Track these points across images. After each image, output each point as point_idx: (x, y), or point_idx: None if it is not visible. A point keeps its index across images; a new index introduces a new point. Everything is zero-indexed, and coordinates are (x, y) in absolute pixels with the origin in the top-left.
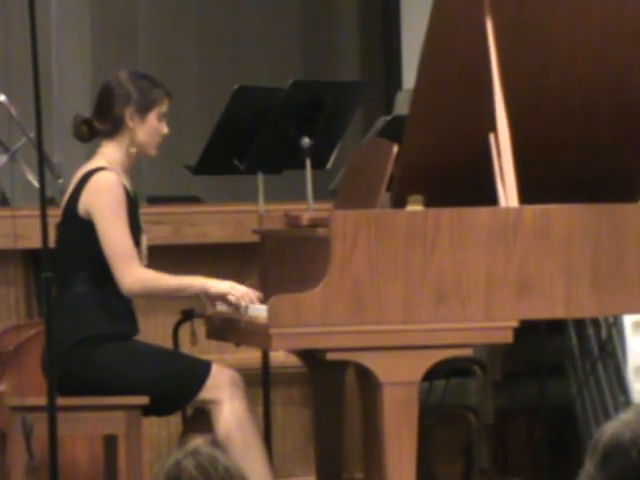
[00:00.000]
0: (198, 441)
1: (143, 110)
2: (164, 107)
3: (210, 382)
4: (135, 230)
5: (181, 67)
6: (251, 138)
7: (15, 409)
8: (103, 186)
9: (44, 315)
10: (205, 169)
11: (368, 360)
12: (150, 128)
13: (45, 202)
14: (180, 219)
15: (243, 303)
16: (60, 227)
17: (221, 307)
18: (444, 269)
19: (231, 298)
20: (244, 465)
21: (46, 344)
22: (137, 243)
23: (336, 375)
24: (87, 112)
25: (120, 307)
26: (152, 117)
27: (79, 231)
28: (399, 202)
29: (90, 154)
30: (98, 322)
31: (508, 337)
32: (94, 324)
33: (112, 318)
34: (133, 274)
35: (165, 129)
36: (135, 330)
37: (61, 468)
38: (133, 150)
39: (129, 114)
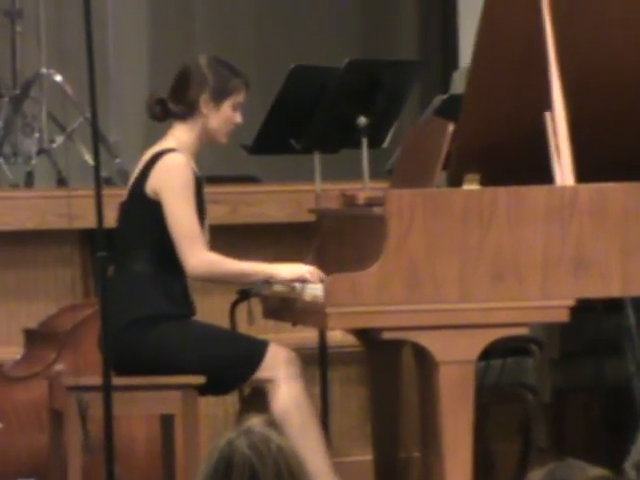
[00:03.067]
0: (253, 420)
1: (218, 98)
2: (240, 97)
3: (267, 362)
4: (200, 213)
5: (238, 46)
6: (308, 117)
7: (71, 389)
8: (173, 167)
9: (100, 294)
10: (262, 149)
11: (424, 339)
12: (223, 117)
13: (100, 182)
14: (237, 199)
15: (312, 279)
16: (124, 206)
17: (278, 287)
18: (500, 248)
19: (305, 277)
20: (300, 445)
21: (102, 323)
22: (202, 226)
23: (393, 354)
24: (144, 91)
25: (178, 289)
26: (227, 106)
27: (144, 211)
28: (455, 181)
29: (149, 134)
30: (155, 302)
31: (564, 316)
32: (151, 304)
33: (169, 299)
34: (199, 256)
35: (239, 119)
36: (192, 312)
37: (118, 447)
38: (203, 134)
39: (204, 100)
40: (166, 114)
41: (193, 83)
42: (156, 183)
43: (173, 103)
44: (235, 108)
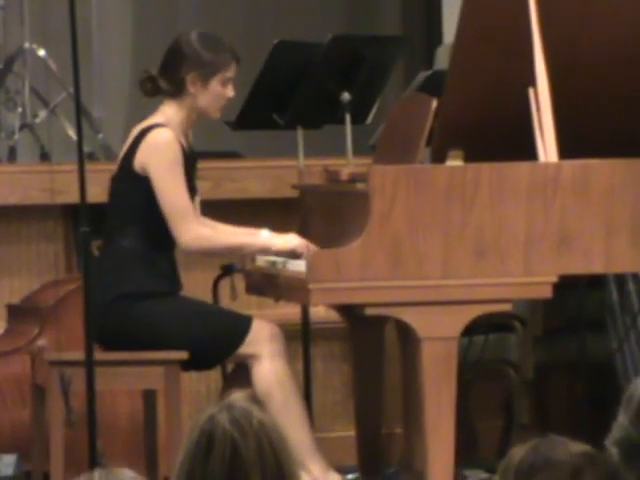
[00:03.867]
0: (235, 396)
1: (206, 76)
2: (230, 72)
3: (250, 337)
4: (191, 189)
5: (222, 22)
6: (291, 93)
7: (53, 363)
8: (159, 143)
9: (82, 270)
10: (245, 124)
11: (407, 315)
12: (212, 94)
13: (83, 157)
14: (220, 174)
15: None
16: (114, 180)
17: (260, 262)
18: (483, 224)
19: (298, 251)
20: (283, 420)
21: (84, 298)
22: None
23: (376, 330)
24: (128, 67)
25: (165, 265)
26: (215, 83)
27: (133, 186)
28: (439, 157)
29: (132, 110)
30: (141, 278)
31: (547, 292)
32: (137, 280)
33: (155, 275)
34: (191, 231)
35: (230, 92)
36: (178, 287)
37: (100, 422)
38: (193, 112)
39: (191, 79)
40: (157, 91)
41: (180, 62)
42: (143, 159)
43: (163, 80)
44: (224, 83)
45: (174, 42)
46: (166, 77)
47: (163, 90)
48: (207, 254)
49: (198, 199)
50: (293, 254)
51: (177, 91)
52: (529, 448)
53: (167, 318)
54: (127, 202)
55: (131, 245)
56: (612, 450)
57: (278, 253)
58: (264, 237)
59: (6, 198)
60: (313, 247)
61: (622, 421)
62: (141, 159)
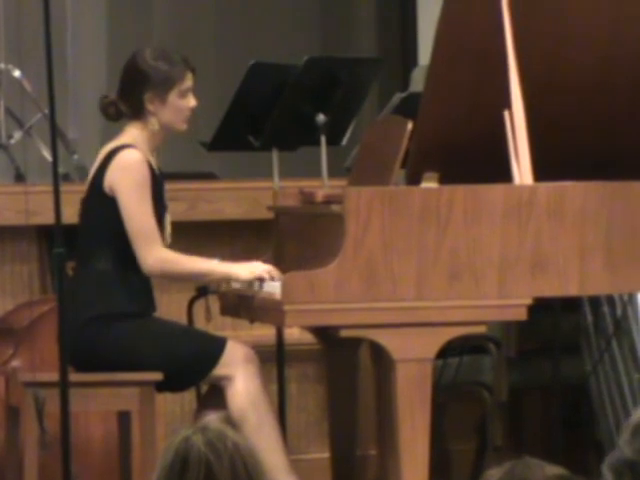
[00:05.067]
0: (209, 417)
1: (162, 93)
2: (186, 83)
3: (224, 358)
4: (160, 209)
5: (196, 42)
6: (266, 114)
7: (28, 385)
8: (127, 164)
9: (57, 291)
10: (220, 145)
11: (381, 337)
12: (172, 108)
13: (58, 178)
14: (195, 195)
15: (269, 278)
16: (85, 202)
17: (235, 284)
18: (458, 246)
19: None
20: (258, 442)
21: (59, 319)
22: (161, 222)
23: (350, 352)
24: (103, 87)
25: (139, 285)
26: (173, 97)
27: (103, 207)
28: (414, 179)
29: (107, 130)
30: (116, 299)
31: (522, 315)
32: (112, 301)
33: (130, 296)
34: (154, 254)
35: (192, 102)
36: (152, 308)
37: (74, 444)
38: (158, 130)
39: (149, 99)
40: (119, 114)
41: (135, 82)
42: (111, 180)
43: (122, 104)
44: (183, 95)
45: (128, 62)
46: (125, 100)
47: (125, 113)
48: (170, 279)
49: (168, 218)
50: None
51: (138, 112)
52: (505, 470)
53: (141, 339)
54: (98, 224)
55: (104, 267)
56: (607, 475)
57: (241, 281)
58: (228, 265)
59: None
60: (276, 273)
61: (619, 444)
62: (109, 180)
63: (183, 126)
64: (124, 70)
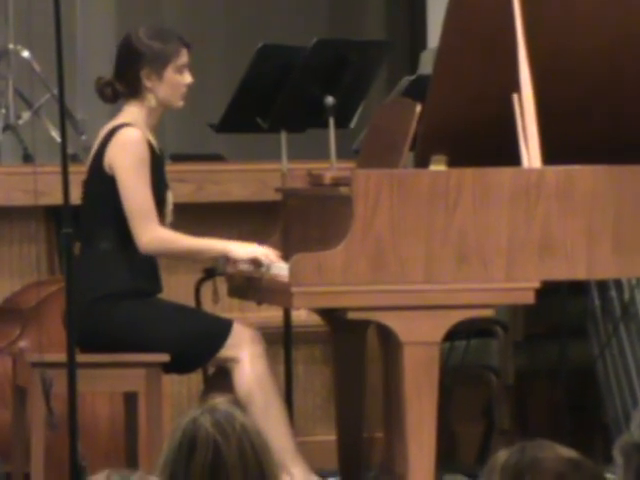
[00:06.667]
0: (217, 399)
1: (158, 68)
2: (182, 59)
3: (231, 340)
4: (161, 187)
5: (206, 25)
6: (274, 96)
7: (35, 365)
8: (126, 142)
9: (65, 272)
10: (228, 127)
11: (389, 319)
12: (169, 84)
13: (67, 158)
14: (203, 177)
15: (266, 261)
16: (86, 184)
17: (243, 266)
18: (466, 229)
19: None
20: (264, 424)
21: (66, 300)
22: (163, 200)
23: (358, 334)
24: (111, 69)
25: (144, 265)
26: (169, 73)
27: (105, 187)
28: (422, 162)
29: (114, 111)
30: (121, 278)
31: (529, 298)
32: (117, 280)
33: (135, 275)
34: (150, 233)
35: (188, 79)
36: (158, 288)
37: (81, 424)
38: (156, 106)
39: (146, 75)
40: (116, 95)
41: (131, 60)
42: (111, 158)
43: (119, 83)
44: (180, 71)
45: (122, 41)
46: (122, 79)
47: (122, 93)
48: (166, 256)
49: (170, 197)
50: (254, 262)
51: (135, 90)
52: (516, 450)
53: (147, 320)
54: (100, 203)
55: (108, 246)
56: (618, 459)
57: (237, 259)
58: (225, 242)
59: None
60: (273, 256)
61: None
62: (109, 158)
63: (180, 102)
64: (119, 50)
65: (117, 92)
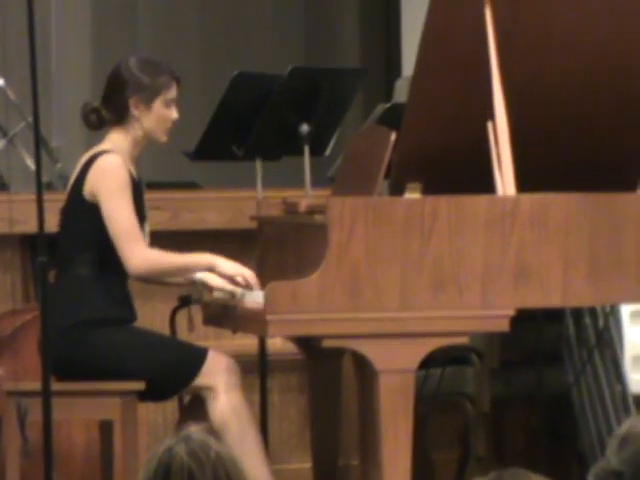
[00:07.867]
0: (192, 427)
1: (148, 99)
2: (171, 93)
3: (206, 368)
4: (140, 217)
5: (181, 52)
6: (250, 124)
7: (10, 393)
8: (106, 168)
9: (40, 299)
10: (203, 155)
11: (364, 347)
12: (156, 116)
13: (42, 186)
14: (178, 205)
15: (252, 280)
16: (65, 210)
17: (218, 294)
18: (441, 257)
19: (238, 279)
20: (240, 452)
21: (41, 328)
22: (141, 229)
23: (333, 362)
24: (87, 96)
25: (120, 292)
26: (158, 105)
27: (84, 214)
28: (397, 189)
29: (90, 139)
30: (97, 305)
31: (504, 325)
32: (93, 307)
33: (111, 302)
34: (139, 254)
35: (174, 114)
36: (133, 316)
37: (57, 452)
38: (140, 137)
39: (134, 103)
40: (102, 122)
41: (121, 88)
42: (92, 185)
43: (105, 110)
44: (168, 105)
45: (113, 70)
46: (109, 105)
47: (107, 120)
48: (156, 276)
49: (147, 228)
50: (232, 281)
51: (121, 117)
52: (491, 477)
53: (123, 348)
54: (78, 230)
55: (85, 273)
56: None
57: (223, 274)
58: (210, 257)
59: None
60: (254, 281)
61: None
62: (90, 186)
63: (164, 137)
64: (109, 78)
65: (102, 119)
